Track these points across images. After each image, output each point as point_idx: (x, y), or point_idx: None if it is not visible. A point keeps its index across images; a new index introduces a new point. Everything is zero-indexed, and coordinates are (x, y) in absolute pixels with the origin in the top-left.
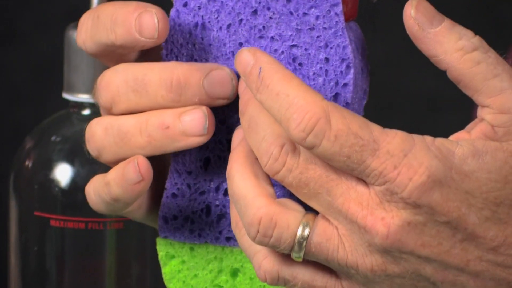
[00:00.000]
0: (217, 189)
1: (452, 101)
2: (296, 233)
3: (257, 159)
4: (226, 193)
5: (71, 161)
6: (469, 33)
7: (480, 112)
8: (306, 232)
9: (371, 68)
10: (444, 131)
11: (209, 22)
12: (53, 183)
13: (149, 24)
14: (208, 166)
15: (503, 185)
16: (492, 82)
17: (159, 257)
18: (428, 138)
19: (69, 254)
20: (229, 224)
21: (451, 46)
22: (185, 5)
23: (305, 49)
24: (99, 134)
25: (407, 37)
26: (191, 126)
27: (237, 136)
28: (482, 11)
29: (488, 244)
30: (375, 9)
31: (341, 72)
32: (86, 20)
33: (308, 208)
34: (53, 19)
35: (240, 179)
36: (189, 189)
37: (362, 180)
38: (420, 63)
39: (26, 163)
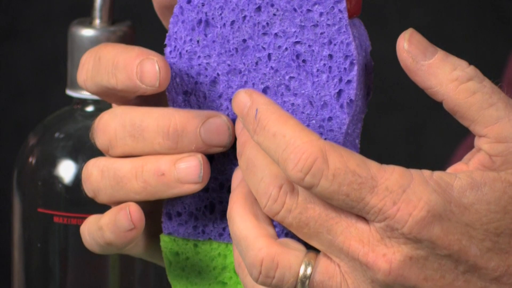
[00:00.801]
0: (221, 186)
1: None
2: (298, 273)
3: (256, 199)
4: (229, 190)
5: (74, 158)
6: (463, 63)
7: (477, 142)
8: (309, 271)
9: (374, 65)
10: (447, 129)
11: (212, 18)
12: (56, 179)
13: (150, 72)
14: (211, 164)
15: (503, 215)
16: (488, 111)
17: (163, 253)
18: (426, 172)
19: (72, 251)
20: None
21: (445, 77)
22: (189, 1)
23: (309, 46)
24: (95, 176)
25: None
26: (186, 173)
27: (236, 177)
28: (486, 8)
29: (491, 275)
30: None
31: (345, 69)
32: (87, 60)
33: (309, 247)
34: (57, 15)
35: (241, 221)
36: None
37: (362, 217)
38: None
39: (30, 159)
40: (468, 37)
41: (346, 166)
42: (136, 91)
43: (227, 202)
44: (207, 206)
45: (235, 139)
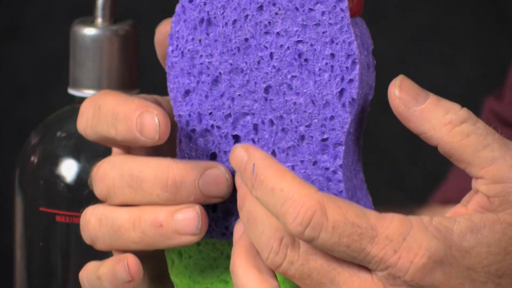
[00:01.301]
0: None
1: (458, 97)
2: None
3: (258, 252)
4: (232, 189)
5: (76, 157)
6: (455, 106)
7: (474, 183)
8: None
9: (376, 63)
10: None
11: (214, 17)
12: (58, 178)
13: (150, 125)
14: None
15: (504, 257)
16: (483, 153)
17: (166, 252)
18: (425, 218)
19: (74, 250)
20: (235, 220)
21: (439, 121)
22: (191, 1)
23: (311, 45)
24: (93, 224)
25: (413, 33)
26: (184, 225)
27: (238, 230)
28: (487, 7)
29: None
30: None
31: (347, 67)
32: (87, 108)
33: None
34: (58, 14)
35: (244, 274)
36: None
37: (363, 266)
38: (426, 59)
39: (31, 158)
40: (469, 36)
41: (345, 218)
42: (136, 143)
43: (230, 201)
44: (210, 205)
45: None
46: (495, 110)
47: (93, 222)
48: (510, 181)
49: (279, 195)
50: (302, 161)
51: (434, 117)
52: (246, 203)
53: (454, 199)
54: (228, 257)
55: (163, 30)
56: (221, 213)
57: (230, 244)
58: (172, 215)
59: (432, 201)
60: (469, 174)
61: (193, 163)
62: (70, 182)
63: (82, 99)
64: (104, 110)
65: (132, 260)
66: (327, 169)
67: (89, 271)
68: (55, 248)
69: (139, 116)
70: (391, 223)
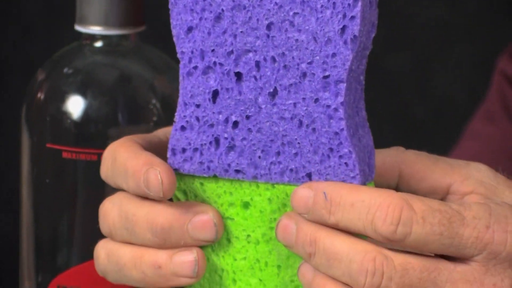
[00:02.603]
0: (226, 121)
1: (462, 31)
2: None
3: None
4: (235, 125)
5: (83, 93)
6: None
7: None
8: None
9: (379, 0)
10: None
11: None
12: (65, 115)
13: (154, 182)
14: (216, 99)
15: None
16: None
17: None
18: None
19: (81, 186)
20: (238, 157)
21: None
22: None
23: None
24: (102, 259)
25: None
26: (181, 268)
27: (306, 273)
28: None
29: None
30: None
31: (349, 4)
32: (107, 157)
33: None
34: None
35: None
36: (198, 121)
37: (459, 258)
38: None
39: (38, 95)
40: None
41: (430, 207)
42: (147, 196)
43: (232, 138)
44: (212, 142)
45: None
46: (507, 73)
47: (103, 256)
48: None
49: (361, 206)
50: (304, 99)
51: None
52: (319, 245)
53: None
54: (231, 194)
55: None
56: (223, 150)
57: (232, 182)
58: (170, 258)
59: None
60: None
61: (182, 208)
62: (76, 119)
63: (88, 36)
64: (117, 164)
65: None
66: (328, 106)
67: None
68: (62, 185)
69: (145, 172)
70: (471, 205)
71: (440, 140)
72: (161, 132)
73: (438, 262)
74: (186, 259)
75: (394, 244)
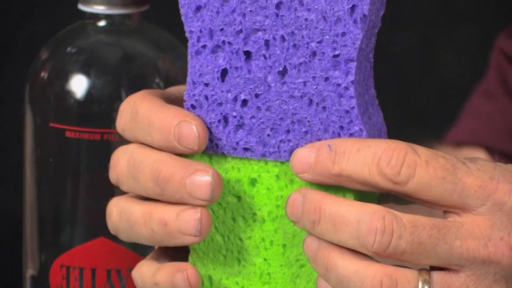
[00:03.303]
0: (235, 99)
1: (467, 11)
2: (417, 287)
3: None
4: (243, 104)
5: (86, 72)
6: None
7: None
8: (426, 286)
9: None
10: (460, 43)
11: None
12: (68, 94)
13: (189, 135)
14: (225, 78)
15: None
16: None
17: None
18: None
19: (84, 165)
20: (247, 135)
21: None
22: None
23: None
24: (115, 217)
25: None
26: (186, 226)
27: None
28: None
29: None
30: None
31: None
32: (125, 110)
33: None
34: None
35: (343, 260)
36: (207, 100)
37: (464, 215)
38: None
39: (42, 74)
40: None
41: (434, 153)
42: (173, 151)
43: (240, 117)
44: (221, 120)
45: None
46: (506, 50)
47: (115, 214)
48: None
49: (367, 151)
50: (313, 77)
51: None
52: (325, 211)
53: (466, 141)
54: (239, 170)
55: None
56: (231, 128)
57: (241, 158)
58: (176, 215)
59: (445, 142)
60: None
61: (186, 162)
62: (80, 98)
63: (92, 15)
64: (140, 116)
65: (191, 271)
66: (338, 85)
67: (144, 274)
68: (65, 164)
69: (177, 126)
70: (477, 160)
71: (443, 120)
72: (174, 89)
73: (447, 219)
74: (191, 217)
75: (398, 188)
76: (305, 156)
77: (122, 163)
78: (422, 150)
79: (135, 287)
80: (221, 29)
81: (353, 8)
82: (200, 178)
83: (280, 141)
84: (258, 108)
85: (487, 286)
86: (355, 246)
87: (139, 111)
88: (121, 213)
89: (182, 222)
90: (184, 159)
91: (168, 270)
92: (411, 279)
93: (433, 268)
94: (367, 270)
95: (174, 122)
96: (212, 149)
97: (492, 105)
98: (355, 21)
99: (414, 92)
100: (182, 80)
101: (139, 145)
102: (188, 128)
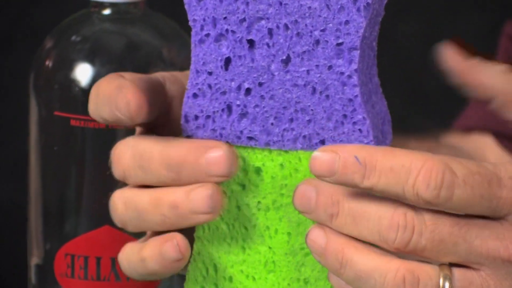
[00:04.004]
0: (238, 88)
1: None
2: (439, 283)
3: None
4: (247, 92)
5: (91, 61)
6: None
7: None
8: (447, 285)
9: None
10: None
11: None
12: (73, 82)
13: (121, 105)
14: (228, 66)
15: None
16: None
17: None
18: None
19: (89, 154)
20: (251, 124)
21: (494, 71)
22: None
23: None
24: (121, 209)
25: None
26: (198, 205)
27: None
28: None
29: None
30: None
31: None
32: (92, 93)
33: None
34: None
35: (361, 256)
36: (210, 89)
37: (487, 217)
38: None
39: (46, 63)
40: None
41: (470, 170)
42: (119, 122)
43: (244, 105)
44: (225, 109)
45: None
46: None
47: (120, 206)
48: None
49: (401, 171)
50: (317, 66)
51: (488, 68)
52: (343, 205)
53: (476, 127)
54: (243, 159)
55: None
56: (235, 117)
57: (246, 148)
58: (187, 196)
59: (454, 128)
60: None
61: (196, 143)
62: (84, 86)
63: (97, 3)
64: (100, 96)
65: (180, 239)
66: (342, 73)
67: (129, 254)
68: (70, 152)
69: (115, 96)
70: (506, 165)
71: (447, 108)
72: (158, 75)
73: (468, 218)
74: (202, 195)
75: (434, 207)
76: (327, 161)
77: (127, 157)
78: (458, 167)
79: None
80: (225, 18)
81: None
82: (215, 154)
83: (284, 129)
84: (262, 97)
85: (508, 286)
86: (375, 240)
87: (99, 91)
88: (127, 204)
89: (194, 201)
90: (192, 139)
91: (155, 243)
92: (432, 275)
93: (453, 265)
94: (388, 266)
95: (114, 93)
96: (216, 138)
97: None
98: (358, 10)
99: (418, 81)
100: (187, 69)
101: (138, 136)
102: (120, 97)
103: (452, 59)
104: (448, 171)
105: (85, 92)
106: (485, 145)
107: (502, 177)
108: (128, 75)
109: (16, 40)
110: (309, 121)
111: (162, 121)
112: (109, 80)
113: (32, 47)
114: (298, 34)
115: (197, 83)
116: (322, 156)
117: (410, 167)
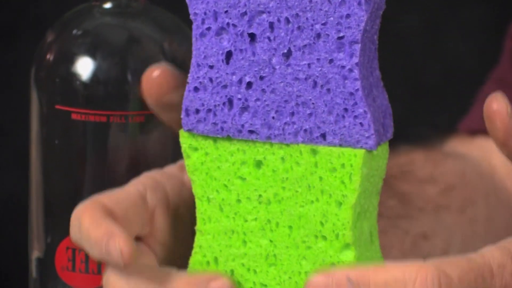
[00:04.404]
0: (240, 82)
1: None
2: None
3: None
4: (248, 86)
5: (92, 55)
6: None
7: None
8: None
9: None
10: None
11: None
12: (74, 76)
13: (114, 253)
14: (229, 60)
15: None
16: None
17: (182, 149)
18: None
19: (90, 147)
20: (252, 117)
21: None
22: None
23: None
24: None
25: None
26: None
27: None
28: None
29: None
30: None
31: None
32: (74, 222)
33: None
34: None
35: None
36: (211, 82)
37: None
38: None
39: (48, 56)
40: None
41: (461, 268)
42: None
43: (245, 99)
44: (226, 102)
45: None
46: None
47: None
48: None
49: (396, 285)
50: (318, 59)
51: None
52: None
53: (481, 130)
54: (245, 152)
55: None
56: (237, 111)
57: (246, 141)
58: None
59: (459, 130)
60: None
61: (196, 278)
62: (86, 80)
63: None
64: (83, 230)
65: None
66: (343, 67)
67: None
68: (71, 146)
69: (106, 243)
70: (492, 252)
71: (450, 104)
72: (139, 184)
73: None
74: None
75: None
76: (320, 285)
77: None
78: (451, 269)
79: None
80: (226, 11)
81: None
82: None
83: (285, 123)
84: (263, 90)
85: None
86: None
87: (82, 225)
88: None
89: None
90: (192, 276)
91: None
92: None
93: None
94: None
95: (104, 239)
96: (217, 132)
97: (506, 93)
98: (359, 3)
99: (420, 74)
100: (188, 62)
101: (132, 273)
102: (113, 245)
103: (497, 114)
104: (443, 275)
105: (87, 86)
106: (491, 149)
107: (492, 267)
108: (108, 201)
109: (17, 34)
110: (310, 114)
111: (145, 232)
112: (94, 219)
113: (34, 41)
114: (299, 27)
115: (198, 77)
116: (316, 281)
117: (404, 279)
